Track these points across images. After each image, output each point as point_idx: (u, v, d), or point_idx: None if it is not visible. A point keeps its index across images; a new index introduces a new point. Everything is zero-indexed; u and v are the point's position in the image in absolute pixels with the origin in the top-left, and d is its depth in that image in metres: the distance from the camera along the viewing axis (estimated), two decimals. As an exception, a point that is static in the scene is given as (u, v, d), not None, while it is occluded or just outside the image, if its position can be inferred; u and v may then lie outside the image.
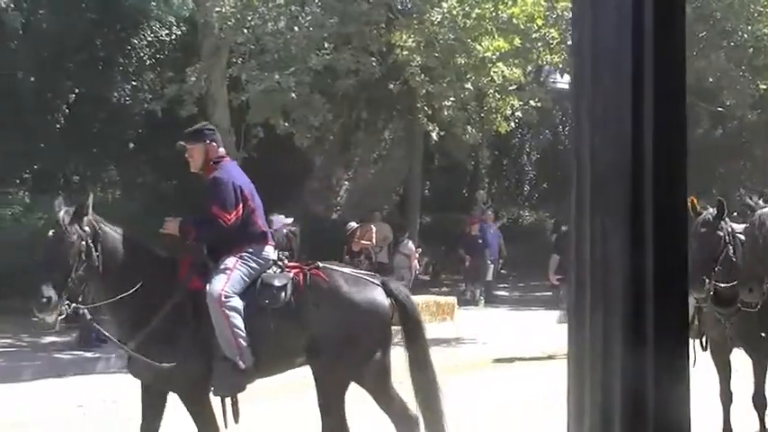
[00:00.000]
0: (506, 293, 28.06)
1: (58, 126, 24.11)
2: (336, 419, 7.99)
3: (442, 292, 25.24)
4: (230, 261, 7.96)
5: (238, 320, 7.72)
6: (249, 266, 8.04)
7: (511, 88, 22.37)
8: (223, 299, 7.71)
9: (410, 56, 22.21)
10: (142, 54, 26.26)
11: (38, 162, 23.85)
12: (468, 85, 21.98)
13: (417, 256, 25.29)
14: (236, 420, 7.98)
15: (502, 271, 29.32)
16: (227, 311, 7.69)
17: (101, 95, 24.75)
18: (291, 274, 8.09)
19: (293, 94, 21.48)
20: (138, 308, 7.87)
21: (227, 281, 7.82)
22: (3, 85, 22.88)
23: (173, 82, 23.74)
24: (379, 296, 8.10)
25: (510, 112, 22.93)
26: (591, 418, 1.87)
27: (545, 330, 18.37)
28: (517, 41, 21.39)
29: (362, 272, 8.78)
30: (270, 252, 8.36)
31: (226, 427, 8.02)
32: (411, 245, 24.90)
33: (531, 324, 17.71)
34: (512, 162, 36.81)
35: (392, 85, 23.87)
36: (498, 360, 16.55)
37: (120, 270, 7.96)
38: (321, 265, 8.29)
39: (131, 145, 25.49)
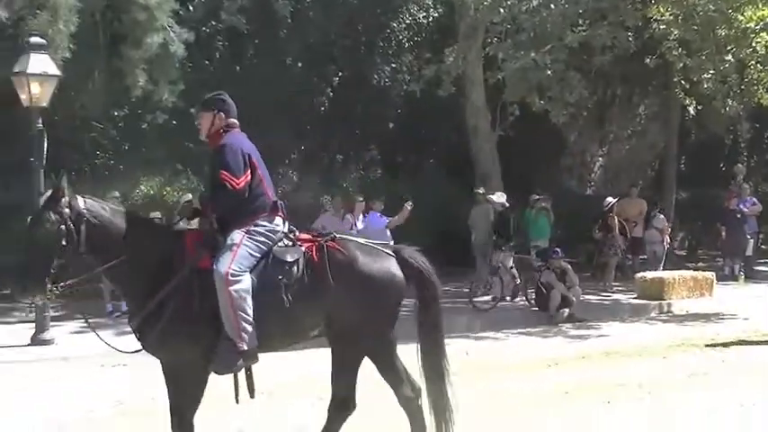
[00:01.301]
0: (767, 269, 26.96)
1: (323, 109, 24.80)
2: (351, 377, 7.83)
3: (698, 267, 24.58)
4: (237, 236, 7.61)
5: (244, 301, 7.40)
6: (256, 241, 7.68)
7: (774, 61, 21.43)
8: (230, 278, 7.37)
9: (667, 29, 21.65)
10: (401, 37, 26.79)
11: (304, 143, 24.54)
12: (729, 57, 21.18)
13: (669, 230, 24.65)
14: (252, 395, 7.80)
15: (762, 246, 28.22)
16: (232, 292, 7.35)
17: (362, 78, 25.32)
18: (304, 248, 7.75)
19: (549, 72, 21.52)
20: (144, 284, 7.51)
21: (234, 258, 7.48)
22: (273, 71, 23.69)
23: (430, 63, 24.12)
24: (395, 267, 7.76)
25: (772, 85, 21.98)
26: None
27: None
28: (786, 9, 20.53)
29: (376, 242, 8.19)
30: (279, 223, 7.90)
31: (237, 402, 7.82)
32: (663, 219, 24.31)
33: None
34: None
35: (648, 60, 23.36)
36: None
37: (111, 247, 7.56)
38: (337, 236, 7.92)
39: (391, 125, 25.86)
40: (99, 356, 13.97)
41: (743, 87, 21.99)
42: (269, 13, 24.21)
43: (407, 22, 26.55)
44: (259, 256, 7.60)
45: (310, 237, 7.96)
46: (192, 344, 7.44)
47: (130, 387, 12.00)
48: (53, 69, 15.50)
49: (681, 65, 22.59)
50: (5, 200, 17.97)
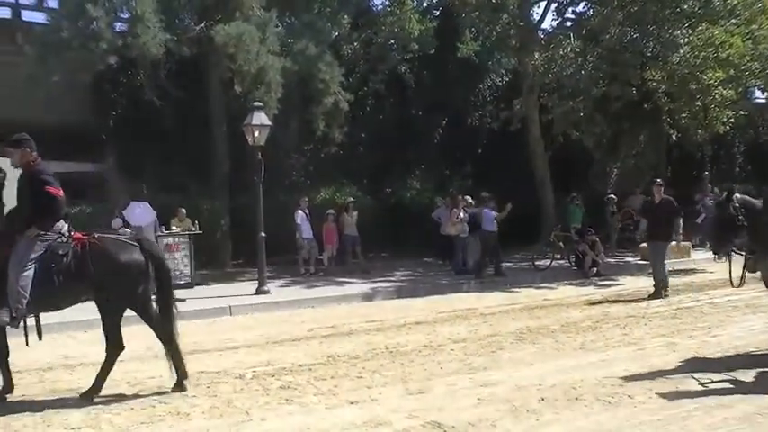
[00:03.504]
0: None
1: (436, 140, 25.08)
2: (114, 328, 7.51)
3: (679, 239, 23.80)
4: (31, 232, 7.27)
5: (26, 283, 7.08)
6: (43, 239, 7.28)
7: (726, 104, 21.30)
8: (20, 266, 7.09)
9: (657, 86, 21.84)
10: (485, 93, 26.77)
11: (423, 163, 24.77)
12: (698, 103, 21.43)
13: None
14: (40, 338, 7.65)
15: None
16: (18, 275, 7.06)
17: (461, 120, 25.63)
18: (72, 244, 7.38)
19: (581, 114, 22.29)
20: None
21: (25, 252, 7.17)
22: (402, 118, 24.10)
23: (504, 110, 24.41)
24: (136, 254, 7.48)
25: (725, 119, 22.19)
26: None
27: None
28: (732, 72, 20.22)
29: (126, 237, 7.99)
30: (61, 226, 7.46)
31: (27, 344, 7.54)
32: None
33: None
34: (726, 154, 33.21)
35: (645, 105, 23.31)
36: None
37: None
38: (97, 235, 7.64)
39: (480, 151, 25.80)
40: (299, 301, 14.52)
41: (706, 122, 21.86)
42: (400, 82, 24.64)
43: (489, 84, 26.60)
44: (43, 250, 7.26)
45: (80, 235, 7.55)
46: None
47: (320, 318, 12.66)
48: (267, 122, 15.76)
49: (666, 108, 22.88)
50: (240, 203, 18.58)
